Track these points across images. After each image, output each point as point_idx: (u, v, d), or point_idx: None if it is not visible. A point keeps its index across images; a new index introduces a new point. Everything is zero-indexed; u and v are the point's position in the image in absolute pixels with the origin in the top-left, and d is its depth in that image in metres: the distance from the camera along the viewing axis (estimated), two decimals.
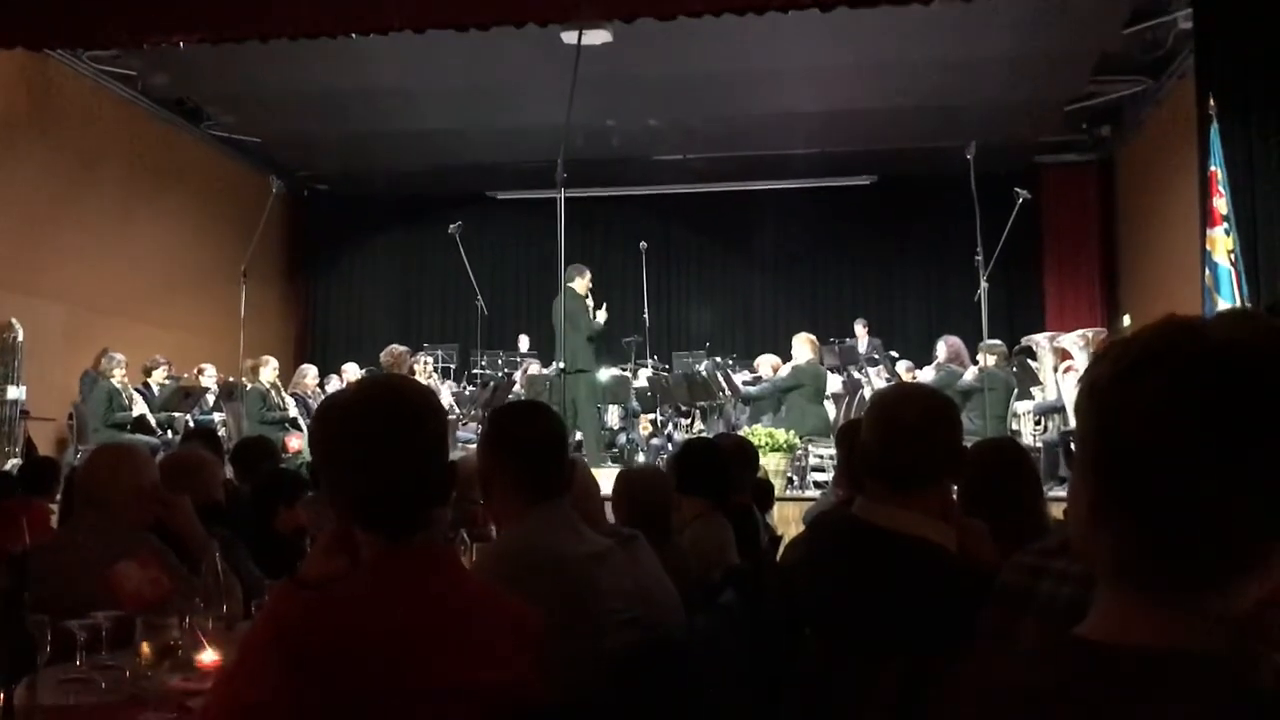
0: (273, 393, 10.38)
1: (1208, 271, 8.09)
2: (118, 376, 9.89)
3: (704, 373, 10.47)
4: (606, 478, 8.19)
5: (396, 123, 12.37)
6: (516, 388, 10.90)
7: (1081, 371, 9.41)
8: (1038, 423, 10.04)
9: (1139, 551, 0.87)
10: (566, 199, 8.46)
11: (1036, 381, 9.96)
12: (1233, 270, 7.95)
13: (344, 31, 8.53)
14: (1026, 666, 0.92)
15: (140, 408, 10.01)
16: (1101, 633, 0.89)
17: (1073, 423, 9.27)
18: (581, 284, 9.80)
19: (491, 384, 11.26)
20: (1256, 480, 0.83)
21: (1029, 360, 10.12)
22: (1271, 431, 0.83)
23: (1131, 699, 0.83)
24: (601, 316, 9.87)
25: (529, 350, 12.80)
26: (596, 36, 9.30)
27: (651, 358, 11.68)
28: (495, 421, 2.52)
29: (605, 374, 10.24)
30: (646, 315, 11.44)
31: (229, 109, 12.75)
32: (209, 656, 2.32)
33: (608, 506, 3.83)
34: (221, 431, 9.69)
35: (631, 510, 3.46)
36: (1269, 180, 8.36)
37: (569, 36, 9.13)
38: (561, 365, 9.34)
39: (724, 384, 10.25)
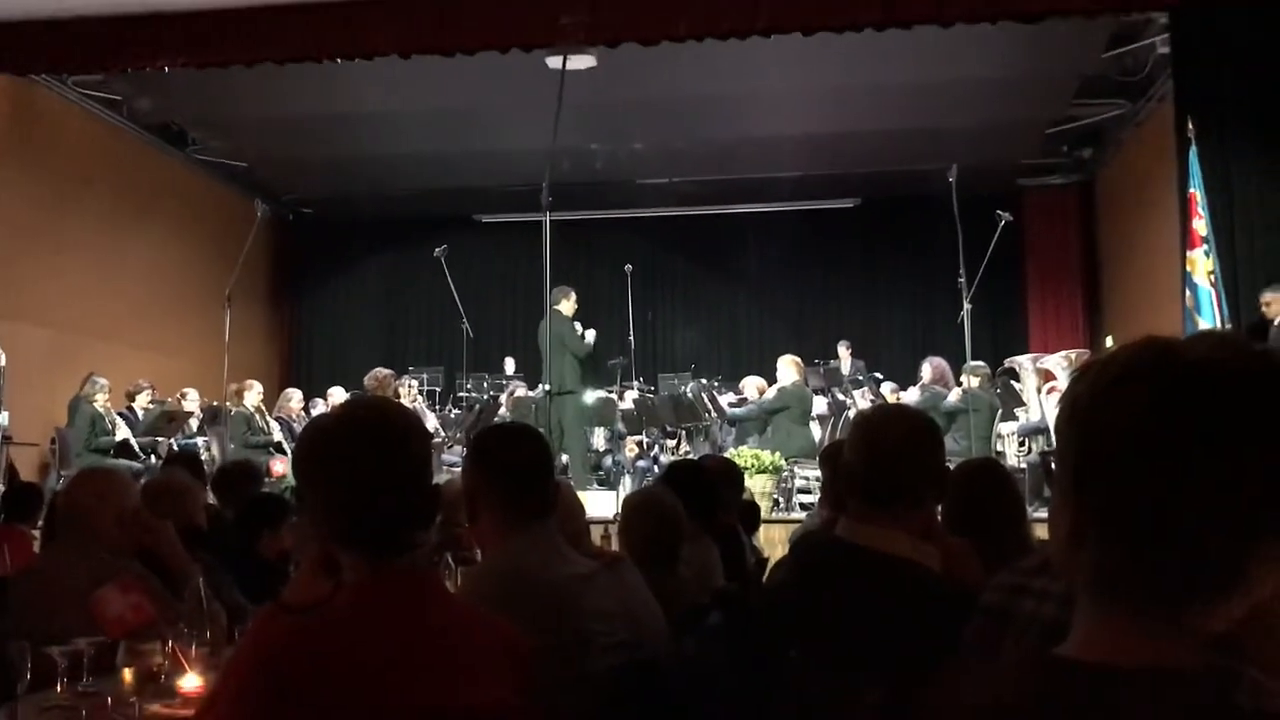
0: (257, 416, 10.35)
1: (1188, 293, 8.16)
2: (101, 401, 9.85)
3: (690, 395, 10.48)
4: (592, 500, 8.21)
5: (381, 146, 12.39)
6: (502, 410, 10.89)
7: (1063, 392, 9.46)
8: (1021, 444, 10.07)
9: (1117, 570, 0.88)
10: (552, 222, 8.48)
11: (1020, 403, 10.01)
12: (1213, 291, 8.02)
13: (329, 56, 8.55)
14: (1005, 684, 0.92)
15: (123, 432, 9.96)
16: (1080, 651, 0.90)
17: (1055, 443, 9.30)
18: (568, 305, 9.82)
19: (477, 407, 11.24)
20: (1233, 499, 0.83)
21: (1012, 382, 10.17)
22: (1247, 450, 0.84)
23: (1110, 717, 0.83)
24: (591, 337, 9.89)
25: (515, 373, 12.79)
26: (581, 61, 9.34)
27: (637, 380, 11.69)
28: (480, 444, 2.52)
29: (591, 396, 10.24)
30: (632, 338, 11.45)
31: (214, 133, 12.75)
32: (192, 682, 2.31)
33: (594, 530, 3.82)
34: (205, 456, 9.64)
35: (641, 538, 3.42)
36: (1247, 202, 8.44)
37: (554, 61, 9.17)
38: (547, 387, 9.34)
39: (709, 406, 10.26)
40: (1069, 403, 0.92)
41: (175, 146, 12.93)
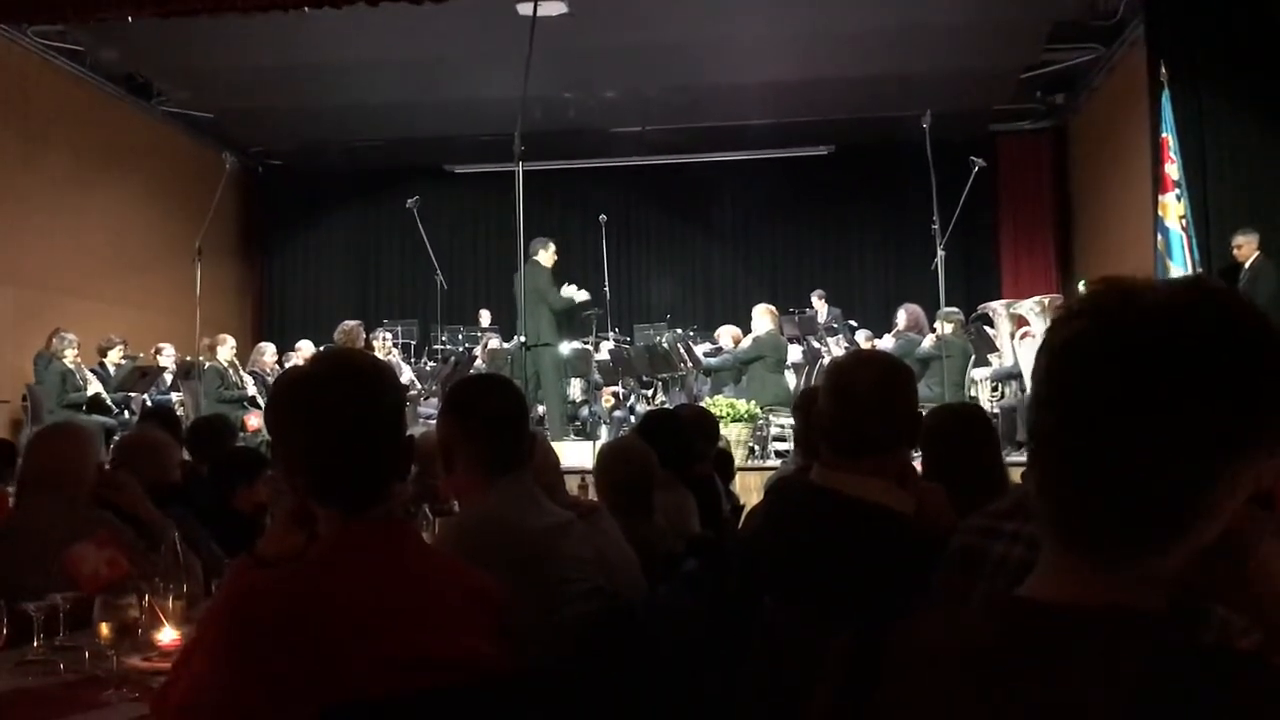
0: (230, 371, 10.29)
1: (1160, 237, 8.21)
2: (70, 357, 9.75)
3: (665, 345, 10.48)
4: (569, 451, 8.23)
5: (351, 96, 12.23)
6: (478, 362, 10.87)
7: (1037, 336, 9.54)
8: (995, 389, 10.16)
9: (1075, 511, 0.89)
10: (525, 172, 8.42)
11: (993, 348, 10.07)
12: (1184, 235, 8.07)
13: (296, 5, 8.41)
14: (970, 626, 0.94)
15: (95, 387, 9.88)
16: (1042, 591, 0.91)
17: (1029, 389, 9.39)
18: (547, 257, 9.77)
19: (452, 359, 11.21)
20: (1182, 441, 0.84)
21: (985, 327, 10.23)
22: (1196, 392, 0.84)
23: (1070, 656, 0.84)
24: (576, 293, 9.84)
25: (490, 325, 12.75)
26: (552, 8, 9.24)
27: (613, 330, 11.68)
28: (456, 394, 2.52)
29: (567, 347, 10.22)
30: (607, 288, 11.43)
31: (180, 84, 12.53)
32: (169, 635, 2.31)
33: (571, 480, 3.84)
34: (179, 411, 9.59)
35: (614, 485, 3.45)
36: (1219, 146, 8.48)
37: (524, 8, 9.06)
38: (523, 339, 9.32)
39: (685, 356, 10.28)
40: (1041, 347, 0.93)
41: (141, 98, 12.71)
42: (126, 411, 9.97)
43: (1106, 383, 0.86)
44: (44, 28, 10.76)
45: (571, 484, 4.58)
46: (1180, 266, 7.92)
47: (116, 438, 7.83)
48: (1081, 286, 13.09)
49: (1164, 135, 8.22)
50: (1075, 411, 0.87)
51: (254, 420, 9.52)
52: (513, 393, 2.52)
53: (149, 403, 9.93)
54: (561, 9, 9.36)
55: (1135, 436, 0.84)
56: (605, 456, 3.63)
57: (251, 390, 10.29)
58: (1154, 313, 0.87)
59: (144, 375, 10.18)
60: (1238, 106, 8.51)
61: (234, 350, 10.47)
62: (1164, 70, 8.30)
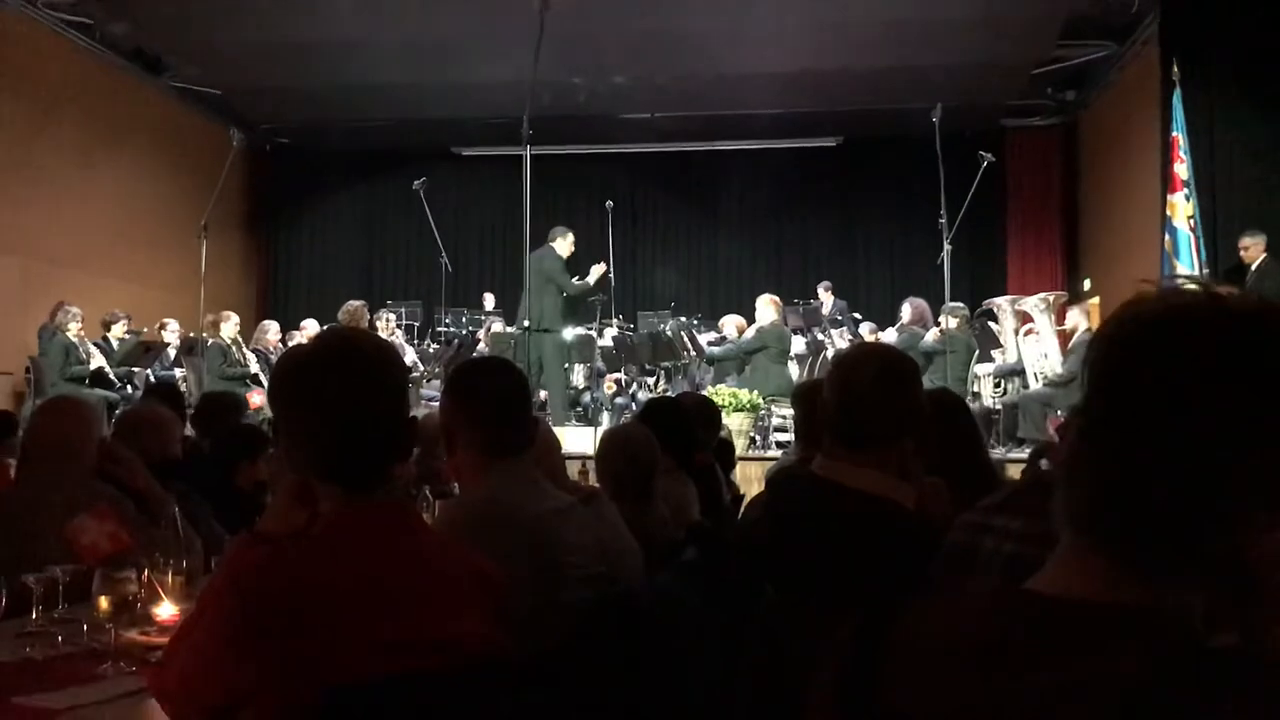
0: (234, 348, 10.28)
1: (1168, 236, 8.20)
2: (74, 330, 9.76)
3: (669, 333, 10.48)
4: (571, 437, 8.23)
5: (361, 76, 12.20)
6: (481, 345, 10.86)
7: (1041, 333, 9.52)
8: (997, 385, 10.15)
9: (1098, 507, 0.88)
10: (532, 156, 8.40)
11: (997, 344, 10.06)
12: (1192, 235, 8.05)
13: None
14: (978, 616, 0.93)
15: (98, 361, 9.89)
16: (1055, 586, 0.91)
17: (1032, 385, 9.39)
18: (564, 246, 9.79)
19: (455, 342, 11.21)
20: (1215, 448, 0.84)
21: (990, 323, 10.22)
22: (1255, 408, 0.84)
23: (1077, 650, 0.84)
24: (598, 268, 9.87)
25: (494, 308, 12.75)
26: None
27: (617, 317, 11.67)
28: (459, 376, 2.52)
29: (570, 333, 10.22)
30: (612, 275, 11.43)
31: (189, 60, 12.50)
32: (167, 611, 2.32)
33: (572, 465, 3.84)
34: (182, 387, 9.60)
35: (616, 472, 3.45)
36: (1229, 147, 8.45)
37: None
38: (526, 323, 9.32)
39: (688, 344, 10.27)
40: (1096, 339, 0.93)
41: (150, 73, 12.69)
42: (129, 386, 9.98)
43: (1163, 380, 0.86)
44: (55, 0, 10.74)
45: (572, 469, 4.58)
46: (1187, 266, 7.90)
47: (119, 412, 7.85)
48: (1087, 284, 13.08)
49: (1174, 134, 8.20)
50: (1125, 406, 0.87)
51: (256, 398, 9.51)
52: (515, 376, 2.52)
53: (152, 378, 9.94)
54: None
55: (1180, 439, 0.84)
56: (608, 442, 3.63)
57: (254, 368, 10.29)
58: (1227, 322, 0.87)
59: (147, 350, 10.19)
60: (1249, 108, 8.48)
61: (238, 327, 10.47)
62: (1176, 69, 8.27)
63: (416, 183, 11.06)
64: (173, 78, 12.95)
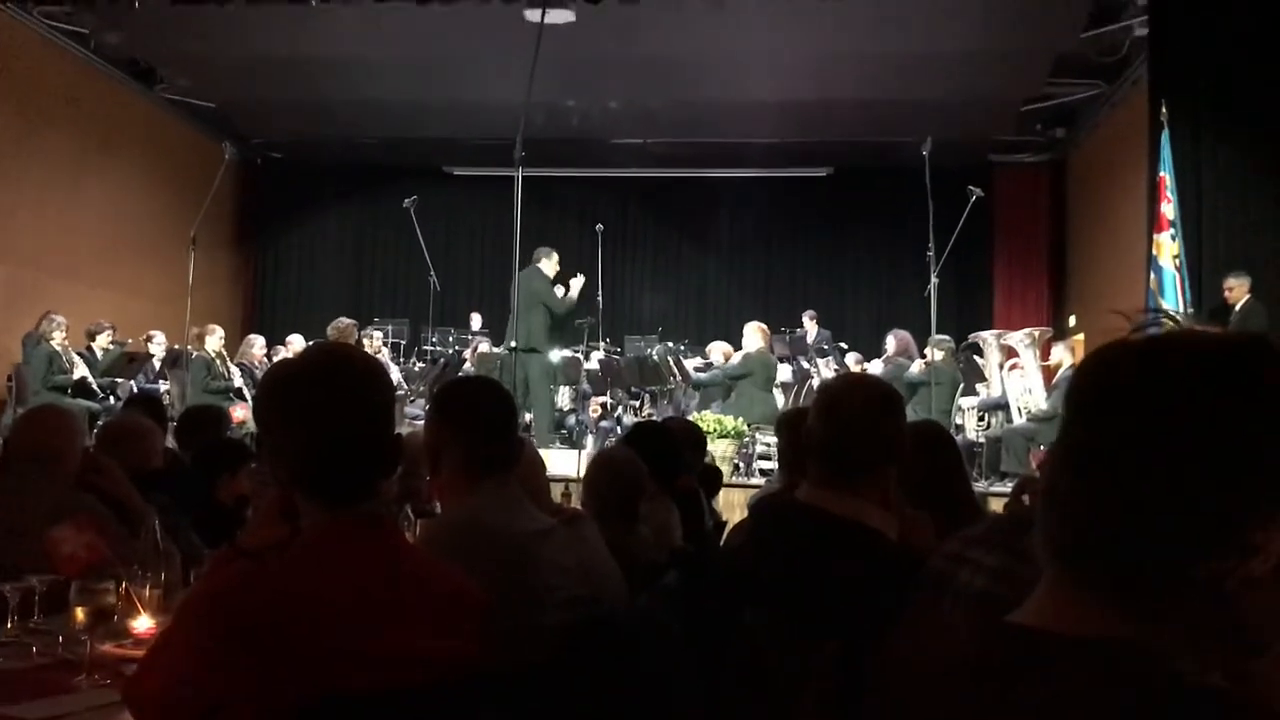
0: (217, 362, 10.24)
1: (1153, 275, 8.24)
2: (58, 339, 9.71)
3: (655, 357, 10.48)
4: (554, 459, 8.21)
5: (354, 93, 12.23)
6: (466, 365, 10.85)
7: (1025, 368, 9.57)
8: (981, 418, 10.17)
9: (1080, 540, 0.89)
10: (524, 178, 8.42)
11: (982, 378, 10.10)
12: (1177, 275, 8.11)
13: None
14: (959, 647, 0.93)
15: (81, 371, 9.84)
16: (1036, 619, 0.91)
17: (1016, 419, 9.42)
18: (549, 266, 9.82)
19: (441, 361, 11.19)
20: (1197, 482, 0.84)
21: (975, 357, 10.25)
22: (1238, 442, 0.84)
23: (1055, 685, 0.84)
24: (577, 280, 9.89)
25: (480, 328, 12.74)
26: (560, 16, 9.26)
27: (604, 340, 11.68)
28: (445, 395, 2.52)
29: (557, 355, 10.22)
30: (600, 298, 11.44)
31: (183, 71, 12.51)
32: (145, 623, 2.30)
33: (555, 487, 3.83)
34: (166, 399, 9.54)
35: (603, 494, 3.45)
36: (1216, 188, 8.53)
37: (532, 14, 9.07)
38: (514, 344, 9.31)
39: (675, 369, 10.28)
40: (1080, 366, 0.94)
41: (143, 84, 12.69)
42: (112, 397, 9.92)
43: (1140, 410, 0.87)
44: (49, 8, 10.73)
45: (555, 491, 4.57)
46: (1172, 305, 7.94)
47: (101, 422, 7.80)
48: (1073, 320, 13.15)
49: (1161, 174, 8.27)
50: (1107, 436, 0.88)
51: (239, 412, 9.46)
52: (502, 395, 2.52)
53: (135, 389, 9.89)
54: (569, 17, 9.38)
55: (1157, 469, 0.85)
56: (596, 465, 3.64)
57: (238, 382, 10.24)
58: (1207, 355, 0.87)
59: (131, 361, 10.14)
60: (1235, 150, 8.56)
61: (222, 341, 10.42)
62: (1165, 109, 8.35)
63: (407, 200, 11.07)
64: (166, 89, 12.95)
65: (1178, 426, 0.85)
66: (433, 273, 11.51)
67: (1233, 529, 0.84)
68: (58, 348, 9.70)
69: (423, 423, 2.79)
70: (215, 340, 10.29)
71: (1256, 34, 8.30)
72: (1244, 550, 0.84)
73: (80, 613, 2.12)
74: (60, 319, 9.77)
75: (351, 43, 10.63)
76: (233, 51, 11.28)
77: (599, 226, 11.65)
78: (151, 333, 10.76)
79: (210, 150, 11.92)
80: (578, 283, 10.03)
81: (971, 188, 9.34)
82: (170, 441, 5.30)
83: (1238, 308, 8.06)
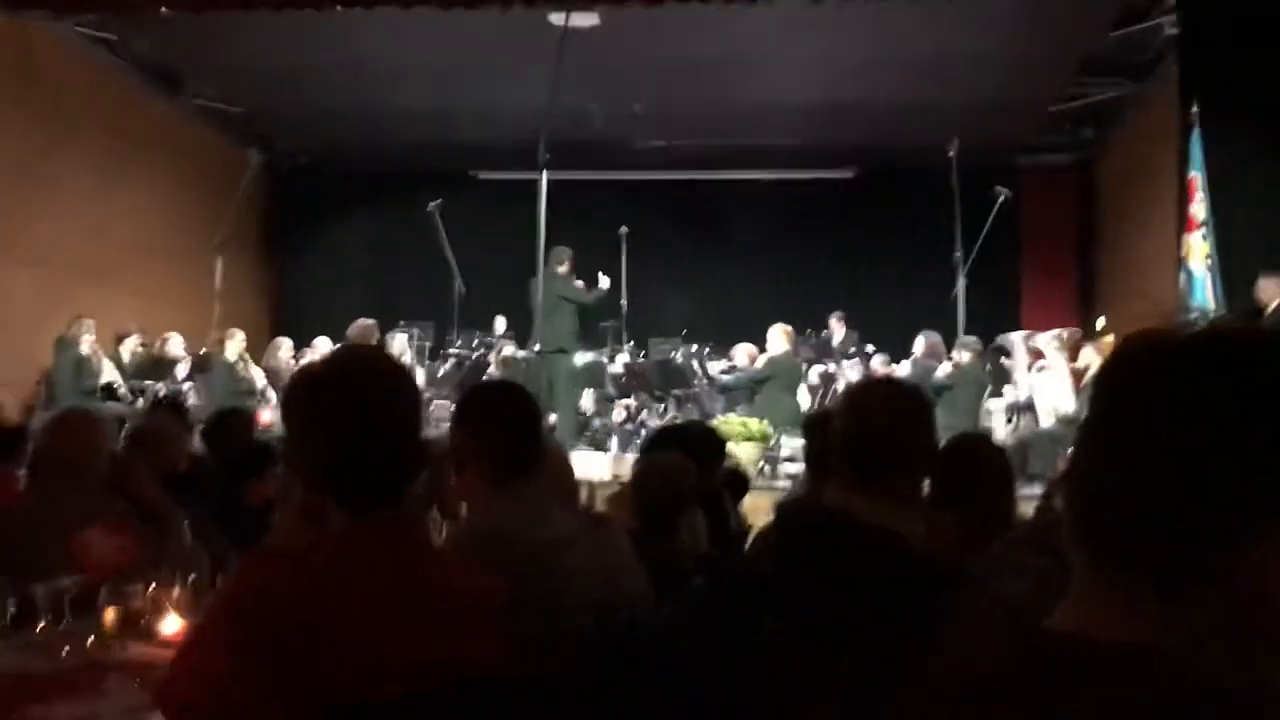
0: (239, 366, 10.30)
1: (1183, 276, 8.17)
2: (87, 343, 9.81)
3: (679, 360, 10.47)
4: (578, 462, 8.20)
5: (379, 98, 12.28)
6: (491, 368, 10.87)
7: (1054, 370, 9.50)
8: (1009, 420, 10.10)
9: (1112, 542, 0.88)
10: (548, 181, 8.43)
11: (1009, 379, 10.03)
12: (1208, 275, 8.03)
13: (329, 4, 8.46)
14: (987, 655, 0.92)
15: (109, 375, 9.93)
16: (1067, 623, 0.90)
17: (1044, 421, 9.35)
18: (564, 268, 9.84)
19: (466, 364, 11.22)
20: (1228, 482, 0.83)
21: (1003, 358, 10.18)
22: (1241, 433, 0.83)
23: (1085, 691, 0.83)
24: (604, 280, 9.93)
25: (505, 331, 12.75)
26: (584, 19, 9.27)
27: (628, 343, 11.67)
28: (468, 399, 2.52)
29: (581, 358, 10.23)
30: (625, 301, 11.43)
31: (210, 79, 12.61)
32: (173, 626, 2.31)
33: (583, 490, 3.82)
34: (193, 401, 9.62)
35: (648, 499, 3.43)
36: (1247, 188, 8.43)
37: (556, 18, 9.09)
38: (538, 347, 9.33)
39: (699, 372, 10.26)
40: (1098, 375, 0.94)
41: (171, 91, 12.79)
42: (140, 401, 10.01)
43: (1152, 411, 0.86)
44: (79, 15, 10.83)
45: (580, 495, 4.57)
46: (1203, 306, 7.87)
47: (128, 426, 7.86)
48: (1102, 321, 13.04)
49: (1192, 174, 8.19)
50: (1134, 426, 0.87)
51: (265, 415, 9.52)
52: (525, 398, 2.52)
53: (162, 393, 9.97)
54: (593, 20, 9.38)
55: (1177, 472, 0.84)
56: (646, 469, 3.62)
57: (260, 385, 10.30)
58: (1235, 345, 0.87)
59: (158, 365, 10.22)
60: (1268, 149, 8.46)
61: (243, 345, 10.49)
62: (1195, 109, 8.28)
63: (431, 204, 11.11)
64: (193, 96, 13.04)
65: (1207, 415, 0.84)
66: (457, 275, 11.53)
67: (1266, 520, 0.83)
68: (86, 352, 9.79)
69: (448, 426, 2.79)
70: (236, 344, 10.36)
71: None
72: (1262, 543, 0.83)
73: (110, 614, 2.14)
74: (89, 322, 9.86)
75: (378, 50, 10.68)
76: (258, 59, 11.35)
77: (623, 229, 11.64)
78: (167, 335, 10.80)
79: (237, 157, 12.04)
80: (604, 281, 10.05)
81: (998, 188, 9.29)
82: (198, 444, 5.34)
83: (1270, 308, 7.97)
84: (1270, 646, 0.85)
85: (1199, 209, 8.09)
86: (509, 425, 2.38)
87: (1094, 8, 9.55)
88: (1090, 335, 11.29)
